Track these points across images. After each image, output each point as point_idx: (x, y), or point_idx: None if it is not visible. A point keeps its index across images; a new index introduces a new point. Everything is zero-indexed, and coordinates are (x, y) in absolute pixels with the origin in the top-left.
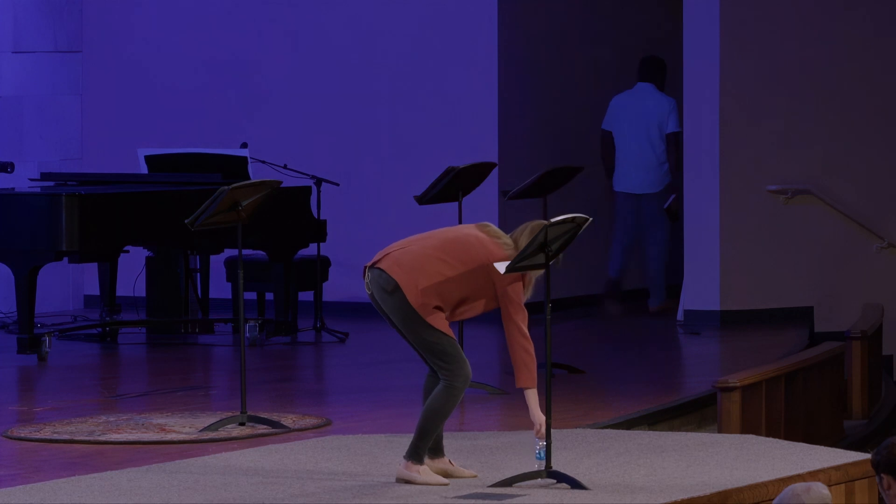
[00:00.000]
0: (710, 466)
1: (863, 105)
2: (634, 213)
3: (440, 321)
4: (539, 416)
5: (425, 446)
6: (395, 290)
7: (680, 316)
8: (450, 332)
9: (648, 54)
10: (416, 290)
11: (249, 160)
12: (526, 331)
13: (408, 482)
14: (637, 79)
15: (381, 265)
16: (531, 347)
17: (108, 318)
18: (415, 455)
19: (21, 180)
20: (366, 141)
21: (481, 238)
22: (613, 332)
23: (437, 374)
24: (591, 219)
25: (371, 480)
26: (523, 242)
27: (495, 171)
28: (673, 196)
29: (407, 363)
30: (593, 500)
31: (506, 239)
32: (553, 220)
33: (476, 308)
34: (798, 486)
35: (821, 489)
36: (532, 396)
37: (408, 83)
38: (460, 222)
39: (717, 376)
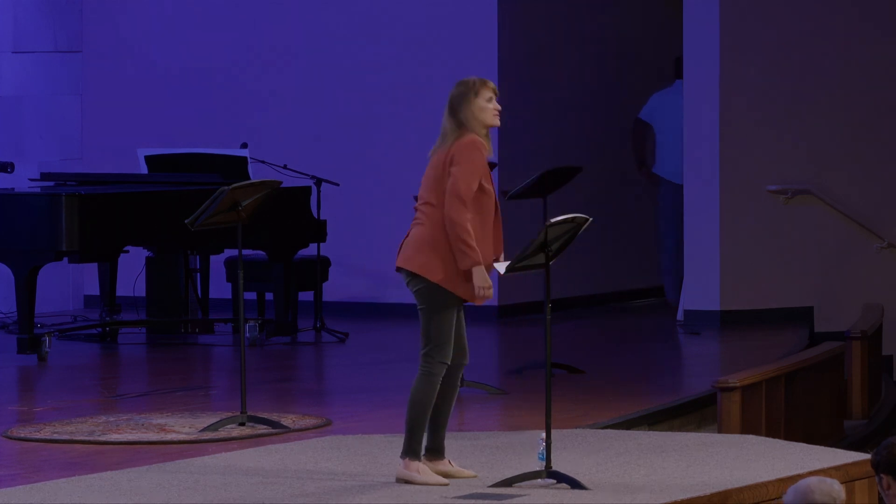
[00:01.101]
0: (710, 466)
1: (863, 105)
2: (679, 203)
3: (452, 310)
4: (485, 284)
5: (418, 441)
6: (412, 279)
7: (680, 316)
8: (451, 320)
9: (681, 54)
10: (430, 268)
11: (249, 160)
12: (462, 220)
13: (408, 482)
14: (674, 76)
15: (399, 265)
16: (467, 236)
17: (108, 318)
18: (409, 452)
19: (21, 180)
20: (366, 141)
21: (432, 160)
22: (613, 332)
23: None
24: (591, 219)
25: (371, 480)
26: (455, 100)
27: (495, 171)
28: None
29: (407, 363)
30: (593, 500)
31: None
32: (553, 220)
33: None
34: (812, 480)
35: (832, 485)
36: (476, 272)
37: (408, 83)
38: None
39: (717, 376)
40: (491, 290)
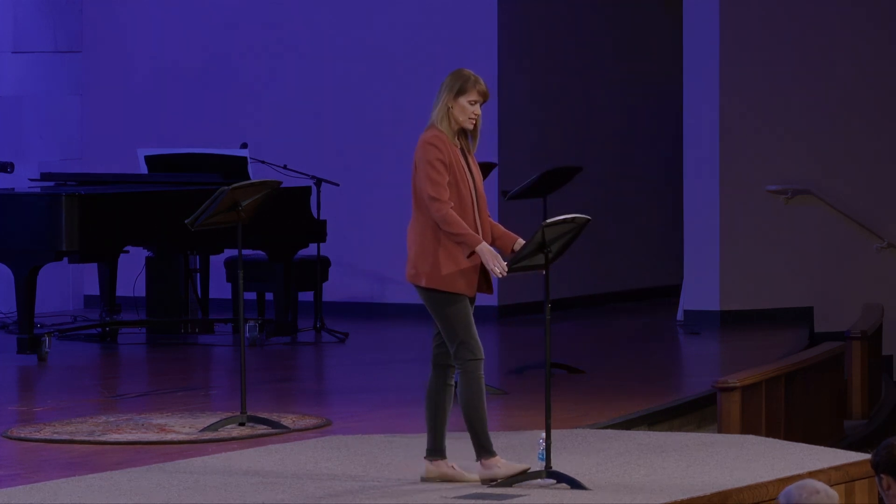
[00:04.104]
0: (710, 466)
1: (863, 105)
2: None
3: (461, 307)
4: (494, 256)
5: (484, 438)
6: (418, 288)
7: (680, 316)
8: (465, 317)
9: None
10: (428, 272)
11: (249, 160)
12: (445, 216)
13: (492, 480)
14: None
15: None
16: (456, 227)
17: (108, 318)
18: (482, 451)
19: (21, 180)
20: (366, 141)
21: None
22: (613, 332)
23: (438, 377)
24: (590, 219)
25: (371, 480)
26: (440, 90)
27: (495, 171)
28: None
29: (407, 363)
30: (593, 500)
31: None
32: (552, 219)
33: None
34: (806, 483)
35: (827, 490)
36: (480, 252)
37: (408, 83)
38: None
39: (717, 376)
40: (503, 262)
